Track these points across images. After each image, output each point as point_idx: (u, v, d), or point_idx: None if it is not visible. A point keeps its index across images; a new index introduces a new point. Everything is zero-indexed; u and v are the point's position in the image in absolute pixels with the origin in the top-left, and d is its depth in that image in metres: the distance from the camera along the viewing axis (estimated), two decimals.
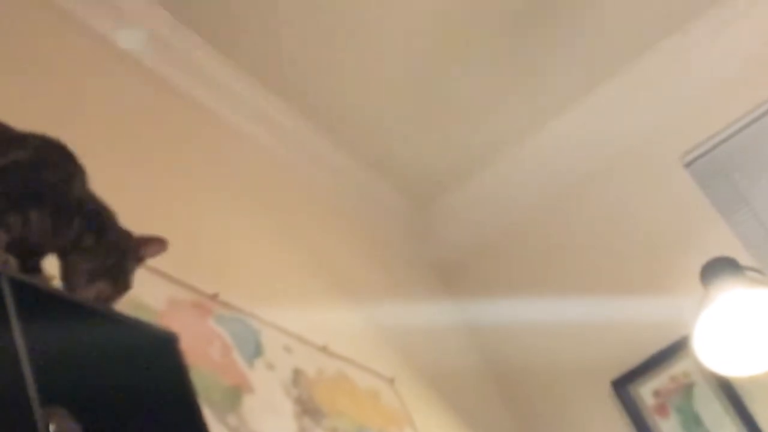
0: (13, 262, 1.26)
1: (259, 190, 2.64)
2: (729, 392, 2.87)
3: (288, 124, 2.93)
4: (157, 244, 1.43)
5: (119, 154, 2.13)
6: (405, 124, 3.17)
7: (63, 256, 1.35)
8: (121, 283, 1.38)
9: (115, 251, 1.37)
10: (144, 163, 2.21)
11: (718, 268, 2.74)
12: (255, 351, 2.06)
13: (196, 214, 2.26)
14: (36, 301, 1.27)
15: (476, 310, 3.37)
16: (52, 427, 1.26)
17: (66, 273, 1.35)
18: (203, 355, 1.87)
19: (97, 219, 1.38)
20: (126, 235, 1.40)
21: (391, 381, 2.53)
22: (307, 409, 2.11)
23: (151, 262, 1.46)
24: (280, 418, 2.00)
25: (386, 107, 3.10)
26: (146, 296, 1.59)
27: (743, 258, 2.89)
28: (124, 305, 1.47)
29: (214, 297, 2.00)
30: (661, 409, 2.95)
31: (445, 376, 2.91)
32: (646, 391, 2.99)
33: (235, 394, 1.90)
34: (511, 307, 3.31)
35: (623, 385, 3.02)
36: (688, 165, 3.21)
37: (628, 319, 3.07)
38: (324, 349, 2.32)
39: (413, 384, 2.66)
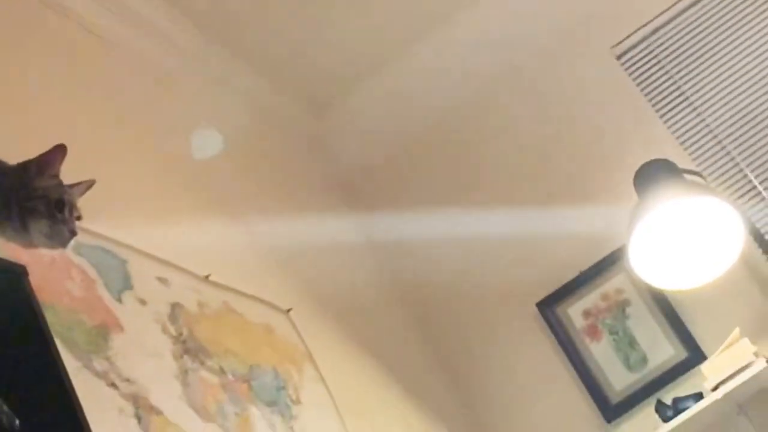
0: None
1: (130, 99, 2.55)
2: (666, 309, 2.95)
3: (167, 26, 2.83)
4: (55, 152, 1.41)
5: None
6: (296, 21, 3.10)
7: None
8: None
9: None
10: (12, 74, 2.14)
11: (654, 172, 2.78)
12: (123, 283, 2.00)
13: (57, 126, 2.18)
14: None
15: (383, 228, 3.37)
16: None
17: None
18: (60, 290, 1.81)
19: None
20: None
21: (286, 312, 2.51)
22: (189, 348, 2.08)
23: None
24: (157, 359, 1.97)
25: (275, 4, 3.02)
26: None
27: (682, 159, 2.94)
28: None
29: None
30: (593, 331, 3.02)
31: (350, 303, 2.91)
32: (575, 312, 3.05)
33: (101, 334, 1.85)
34: (422, 224, 3.32)
35: (549, 306, 3.07)
36: (619, 57, 3.22)
37: (554, 233, 3.12)
38: (206, 279, 2.29)
39: (313, 314, 2.65)
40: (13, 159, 1.42)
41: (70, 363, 1.67)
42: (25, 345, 1.40)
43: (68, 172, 1.52)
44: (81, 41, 2.54)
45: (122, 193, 2.24)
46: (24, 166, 1.40)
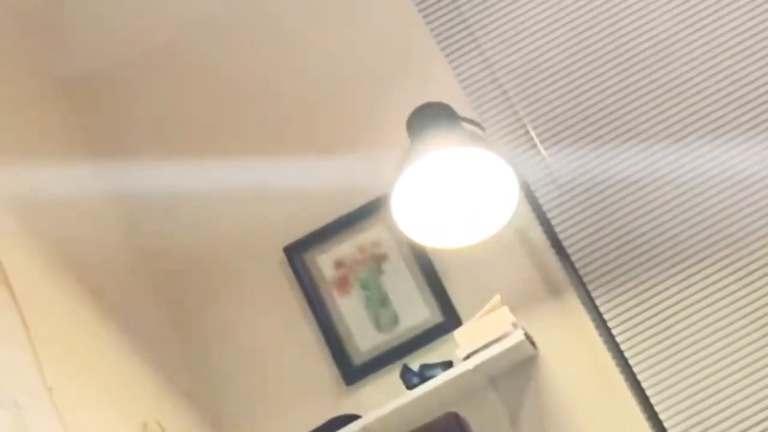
0: None
1: None
2: (425, 268, 2.97)
3: None
4: None
5: None
6: None
7: None
8: None
9: None
10: None
11: (430, 117, 2.78)
12: None
13: None
14: None
15: (115, 167, 3.24)
16: None
17: None
18: None
19: None
20: None
21: None
22: None
23: None
24: None
25: None
26: None
27: (463, 106, 2.96)
28: None
29: None
30: (343, 284, 3.01)
31: (67, 235, 2.78)
32: (325, 261, 3.03)
33: None
34: (159, 167, 3.21)
35: (298, 251, 3.04)
36: None
37: (313, 179, 3.09)
38: None
39: (19, 238, 2.52)
40: None
41: None
42: None
43: None
44: None
45: None
46: None
